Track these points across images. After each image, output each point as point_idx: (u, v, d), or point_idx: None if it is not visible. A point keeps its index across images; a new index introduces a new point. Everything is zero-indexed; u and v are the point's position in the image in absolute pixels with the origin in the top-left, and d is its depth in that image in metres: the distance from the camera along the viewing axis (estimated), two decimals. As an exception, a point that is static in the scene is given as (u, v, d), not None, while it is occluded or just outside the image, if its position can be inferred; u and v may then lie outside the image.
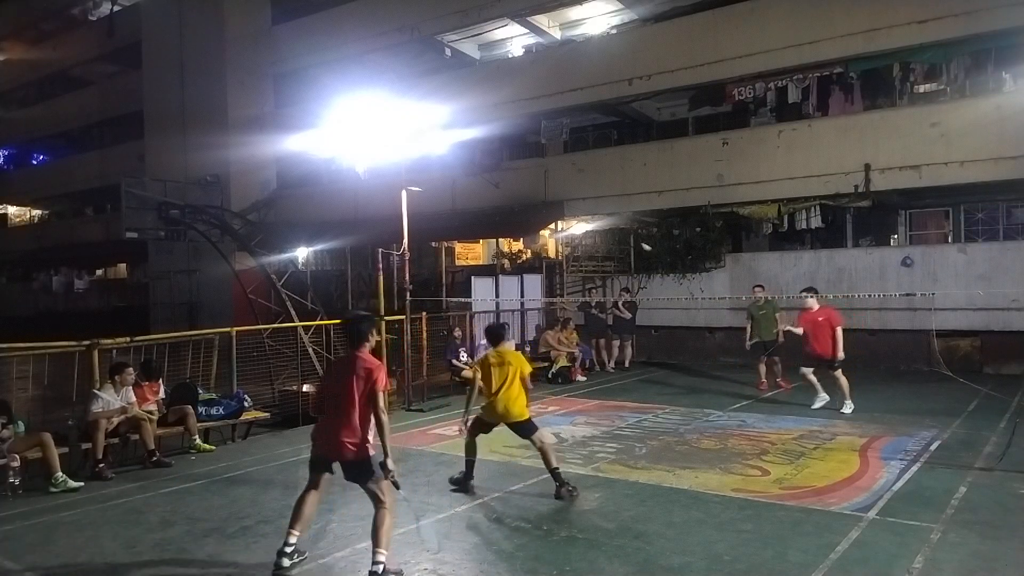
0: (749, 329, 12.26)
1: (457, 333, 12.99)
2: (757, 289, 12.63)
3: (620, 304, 15.32)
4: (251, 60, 23.40)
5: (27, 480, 6.95)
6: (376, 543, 4.72)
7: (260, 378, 10.81)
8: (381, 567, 4.67)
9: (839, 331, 10.03)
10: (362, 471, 4.88)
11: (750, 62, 15.51)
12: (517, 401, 6.53)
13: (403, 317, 11.44)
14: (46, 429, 7.38)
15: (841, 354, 10.00)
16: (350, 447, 4.84)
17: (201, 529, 5.79)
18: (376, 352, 5.20)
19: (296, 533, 4.94)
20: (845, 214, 16.26)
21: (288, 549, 4.91)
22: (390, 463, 4.78)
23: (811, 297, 10.44)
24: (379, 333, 5.47)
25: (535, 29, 19.36)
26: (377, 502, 4.82)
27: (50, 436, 7.13)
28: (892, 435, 8.56)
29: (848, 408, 9.87)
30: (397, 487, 4.85)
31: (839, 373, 10.01)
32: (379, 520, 4.77)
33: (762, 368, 12.11)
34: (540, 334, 14.85)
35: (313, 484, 5.06)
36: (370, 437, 4.87)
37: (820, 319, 10.19)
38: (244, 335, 10.40)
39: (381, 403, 4.85)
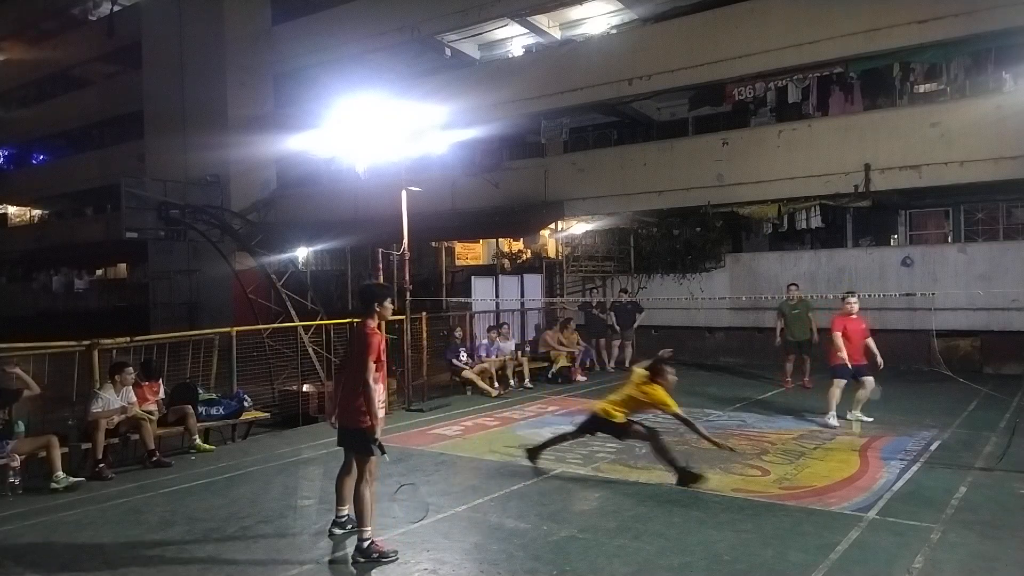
0: (780, 327, 12.22)
1: (458, 333, 13.01)
2: (792, 288, 12.49)
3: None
4: (251, 60, 23.41)
5: (27, 480, 6.95)
6: (358, 520, 5.08)
7: (260, 378, 10.80)
8: (366, 543, 4.99)
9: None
10: (352, 440, 5.20)
11: (750, 62, 15.52)
12: None
13: (403, 317, 11.44)
14: (49, 430, 7.37)
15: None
16: (344, 414, 5.21)
17: (201, 529, 5.79)
18: (390, 326, 5.42)
19: (343, 509, 5.49)
20: (845, 214, 16.26)
21: (341, 519, 5.50)
22: (378, 431, 5.04)
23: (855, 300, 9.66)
24: (391, 305, 5.47)
25: (535, 29, 19.37)
26: (358, 475, 5.13)
27: (56, 438, 7.14)
28: (892, 435, 8.56)
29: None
30: (383, 451, 5.10)
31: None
32: (357, 495, 5.10)
33: (789, 366, 12.20)
34: (540, 334, 14.85)
35: (345, 462, 5.43)
36: (378, 406, 5.12)
37: (864, 326, 9.52)
38: (244, 335, 10.38)
39: (366, 370, 5.04)
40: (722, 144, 16.15)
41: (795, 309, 12.08)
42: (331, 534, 5.48)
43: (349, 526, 5.43)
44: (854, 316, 9.44)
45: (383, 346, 5.22)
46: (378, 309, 5.28)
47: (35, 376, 7.82)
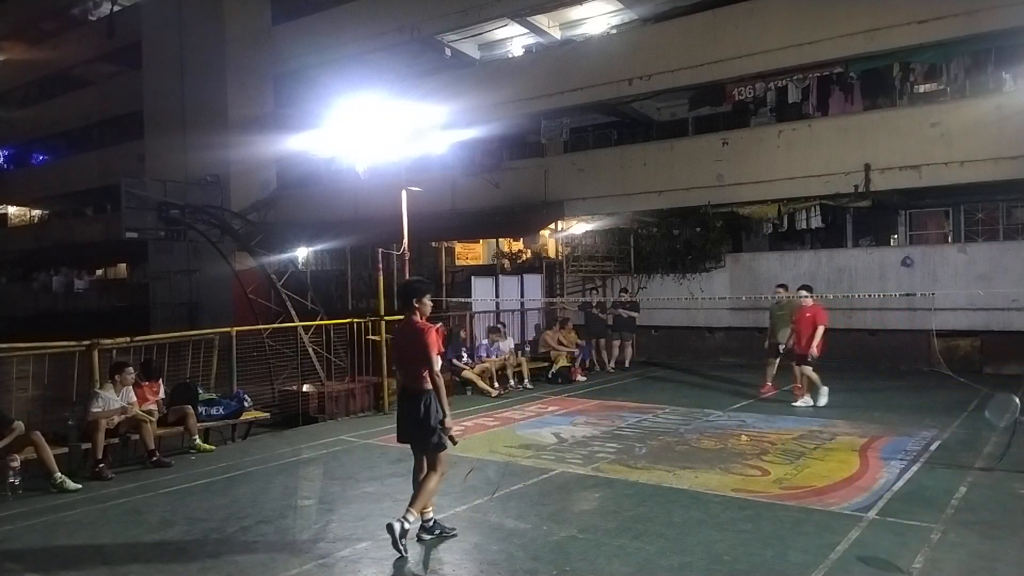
0: (770, 329, 11.92)
1: (462, 334, 13.03)
2: (779, 289, 12.04)
3: (623, 303, 15.32)
4: (251, 60, 23.41)
5: (27, 480, 6.94)
6: (411, 501, 5.18)
7: (260, 378, 10.80)
8: (400, 524, 5.02)
9: (821, 329, 10.39)
10: (421, 437, 5.27)
11: (750, 62, 15.51)
12: None
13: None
14: (39, 428, 7.26)
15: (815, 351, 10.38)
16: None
17: (201, 529, 5.78)
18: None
19: (427, 512, 5.40)
20: (845, 214, 16.26)
21: (428, 524, 5.40)
22: (448, 420, 5.22)
23: (809, 296, 10.77)
24: (430, 301, 5.64)
25: (535, 29, 19.36)
26: (430, 467, 5.26)
27: (40, 435, 7.02)
28: (892, 435, 8.56)
29: (806, 401, 10.39)
30: (454, 442, 5.28)
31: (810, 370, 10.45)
32: (423, 481, 5.23)
33: (770, 370, 11.66)
34: (540, 334, 14.85)
35: (416, 462, 5.43)
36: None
37: (808, 315, 10.54)
38: (244, 335, 10.39)
39: (433, 365, 5.19)
40: (722, 144, 16.15)
41: (781, 310, 11.64)
42: (419, 539, 5.35)
43: (437, 531, 5.39)
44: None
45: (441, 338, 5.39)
46: (417, 305, 5.39)
47: (35, 376, 7.83)
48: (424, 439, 5.25)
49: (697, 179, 16.28)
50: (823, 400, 10.38)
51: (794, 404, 10.49)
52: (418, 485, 5.23)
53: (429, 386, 5.21)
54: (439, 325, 5.48)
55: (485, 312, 14.56)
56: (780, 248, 17.30)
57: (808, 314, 10.50)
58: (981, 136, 13.32)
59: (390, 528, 5.00)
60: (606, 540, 5.32)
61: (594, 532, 5.51)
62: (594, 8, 18.38)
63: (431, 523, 5.41)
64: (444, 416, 5.21)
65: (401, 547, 4.98)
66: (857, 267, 15.09)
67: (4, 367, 8.01)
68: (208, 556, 5.23)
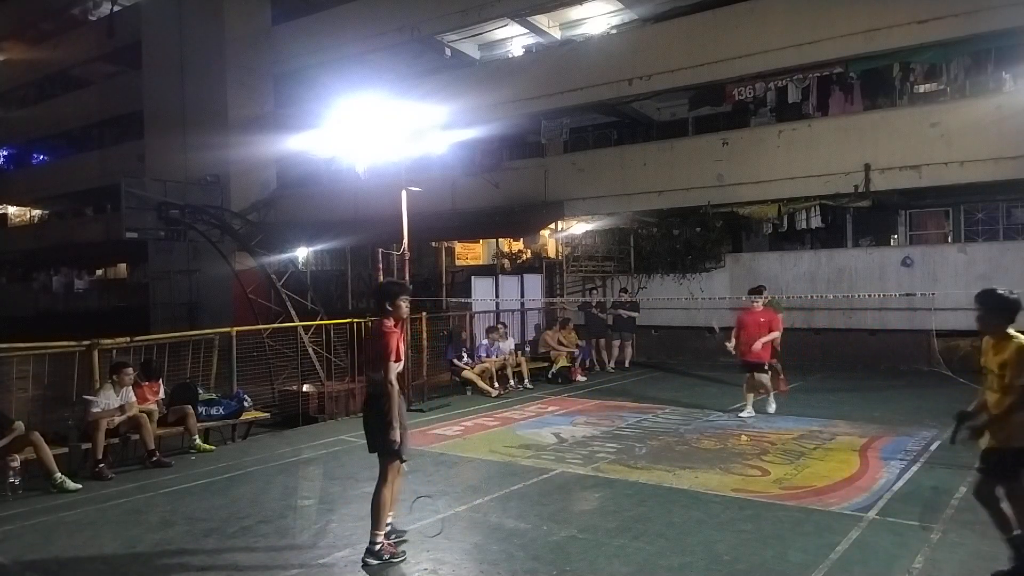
0: None
1: (463, 335, 13.04)
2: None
3: (623, 303, 15.30)
4: (251, 60, 23.42)
5: (27, 480, 6.93)
6: (373, 522, 4.98)
7: (260, 378, 10.80)
8: (377, 546, 4.92)
9: (776, 335, 9.96)
10: (376, 442, 5.05)
11: (750, 62, 15.52)
12: None
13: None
14: (39, 429, 7.25)
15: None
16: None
17: (201, 529, 5.78)
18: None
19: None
20: (845, 214, 16.27)
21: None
22: (393, 433, 4.87)
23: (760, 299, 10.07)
24: (405, 303, 5.24)
25: (535, 29, 19.37)
26: (380, 476, 5.02)
27: (39, 435, 7.01)
28: (892, 435, 8.56)
29: (771, 407, 9.97)
30: (401, 460, 5.03)
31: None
32: (374, 497, 5.01)
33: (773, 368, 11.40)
34: (540, 334, 14.85)
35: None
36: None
37: (762, 319, 9.91)
38: (244, 335, 10.39)
39: (387, 372, 4.92)
40: (722, 144, 16.15)
41: None
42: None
43: (393, 536, 5.21)
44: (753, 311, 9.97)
45: (402, 344, 5.06)
46: (391, 309, 5.12)
47: (35, 376, 7.83)
48: (377, 444, 5.05)
49: (697, 179, 16.29)
50: (748, 411, 9.93)
51: (768, 411, 9.98)
52: (372, 502, 5.00)
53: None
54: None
55: (485, 312, 14.55)
56: (780, 248, 17.31)
57: (762, 319, 9.85)
58: (981, 136, 13.32)
59: (366, 566, 4.88)
60: (606, 540, 5.32)
61: (594, 532, 5.50)
62: (594, 8, 18.39)
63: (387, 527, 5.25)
64: (389, 428, 4.87)
65: (385, 558, 4.91)
66: (857, 267, 15.08)
67: (4, 367, 8.02)
68: (208, 556, 5.23)
